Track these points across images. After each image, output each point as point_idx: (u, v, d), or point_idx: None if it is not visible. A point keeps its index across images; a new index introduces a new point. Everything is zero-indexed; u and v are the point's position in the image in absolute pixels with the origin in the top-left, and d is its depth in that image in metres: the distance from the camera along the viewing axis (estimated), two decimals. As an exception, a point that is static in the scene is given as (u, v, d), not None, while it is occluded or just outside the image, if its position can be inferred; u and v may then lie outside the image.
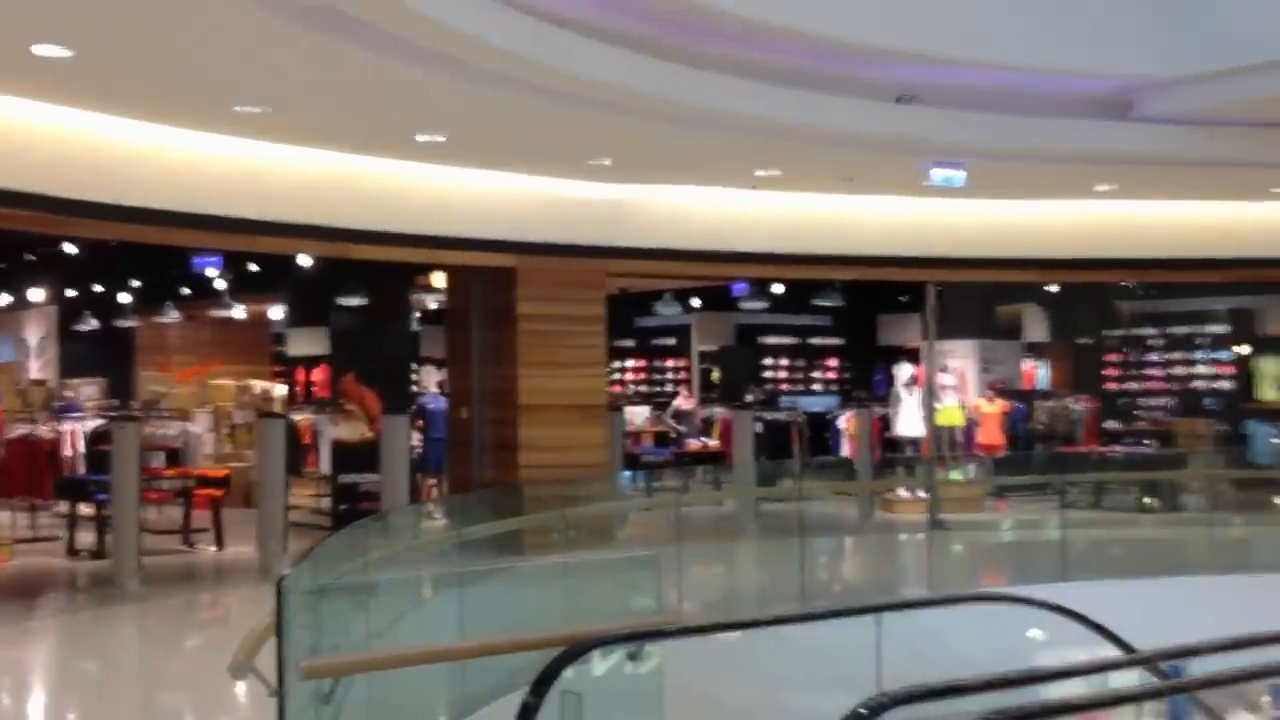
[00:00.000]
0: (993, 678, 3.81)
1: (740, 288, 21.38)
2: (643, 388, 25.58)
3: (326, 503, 15.09)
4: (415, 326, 22.00)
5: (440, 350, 17.08)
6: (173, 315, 21.96)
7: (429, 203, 11.78)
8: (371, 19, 7.11)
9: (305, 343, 22.22)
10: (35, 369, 23.35)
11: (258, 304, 22.11)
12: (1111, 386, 21.01)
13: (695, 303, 24.27)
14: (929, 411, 16.24)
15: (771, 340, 25.49)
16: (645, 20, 8.72)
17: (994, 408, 17.85)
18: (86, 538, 12.69)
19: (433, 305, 20.61)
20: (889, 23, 9.42)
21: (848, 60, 9.72)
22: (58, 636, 10.02)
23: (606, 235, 12.78)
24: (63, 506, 13.52)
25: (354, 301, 18.27)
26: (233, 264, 17.63)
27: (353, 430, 14.83)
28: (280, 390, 20.45)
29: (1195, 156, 11.14)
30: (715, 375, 25.24)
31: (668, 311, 22.50)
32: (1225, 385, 19.98)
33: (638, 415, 18.75)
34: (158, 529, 13.50)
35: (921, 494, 15.39)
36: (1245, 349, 19.79)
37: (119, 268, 19.51)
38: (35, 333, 23.85)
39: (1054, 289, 19.97)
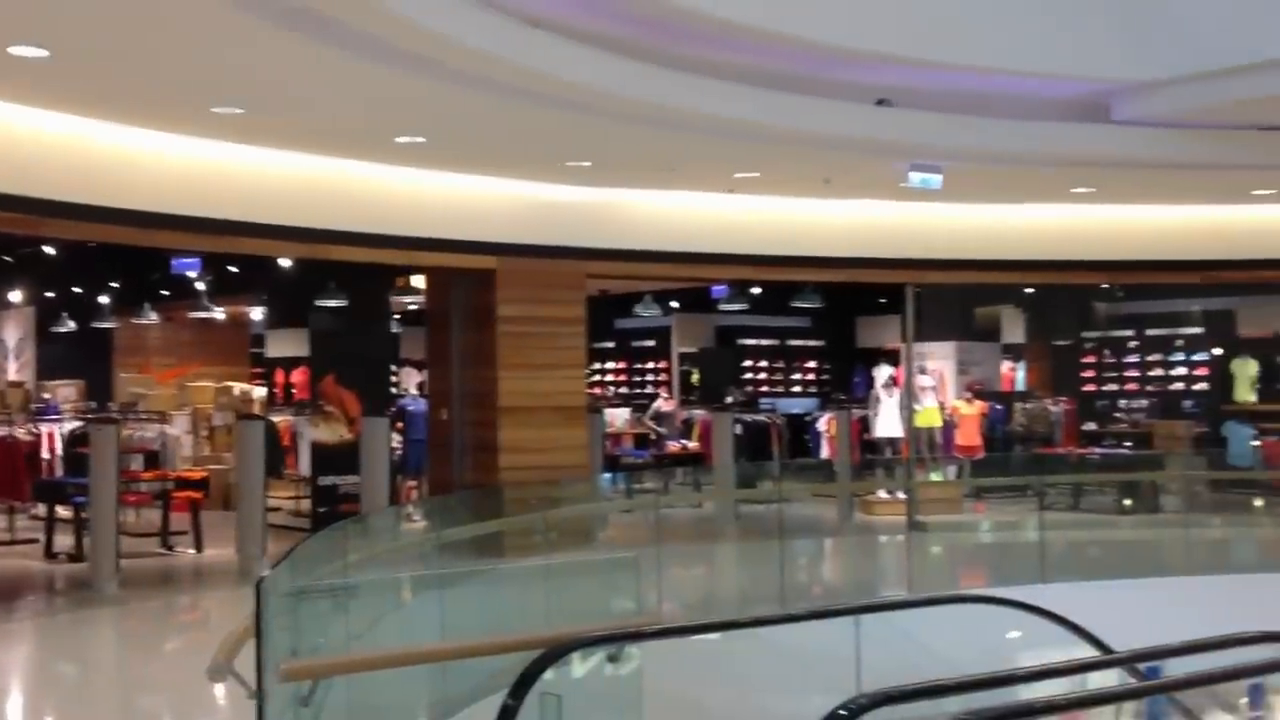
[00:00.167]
0: (971, 678, 3.83)
1: (720, 290, 21.41)
2: (623, 389, 25.59)
3: (306, 505, 15.06)
4: (395, 328, 21.98)
5: (420, 352, 17.05)
6: (151, 317, 21.87)
7: (409, 204, 11.76)
8: (347, 19, 7.10)
9: (285, 344, 22.18)
10: (12, 371, 23.21)
11: (237, 305, 22.05)
12: (1090, 388, 21.11)
13: (675, 305, 24.30)
14: (908, 413, 16.29)
15: (751, 342, 25.54)
16: (624, 22, 8.73)
17: (972, 409, 17.91)
18: (64, 540, 12.63)
19: (412, 307, 20.58)
20: (867, 25, 9.44)
21: (826, 63, 9.74)
22: (35, 639, 9.97)
23: (586, 237, 12.79)
24: (40, 509, 13.46)
25: (334, 303, 18.24)
26: (212, 265, 17.57)
27: (332, 432, 14.80)
28: (259, 392, 20.39)
29: (1171, 159, 11.20)
30: (695, 377, 25.27)
31: (647, 313, 22.52)
32: (1203, 387, 20.09)
33: (618, 417, 18.75)
34: (136, 531, 13.45)
35: (901, 495, 15.43)
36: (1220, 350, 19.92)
37: (97, 269, 19.42)
38: (13, 334, 23.71)
39: (1032, 291, 20.05)
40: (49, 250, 16.20)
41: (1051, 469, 15.80)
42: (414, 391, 16.85)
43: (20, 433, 13.45)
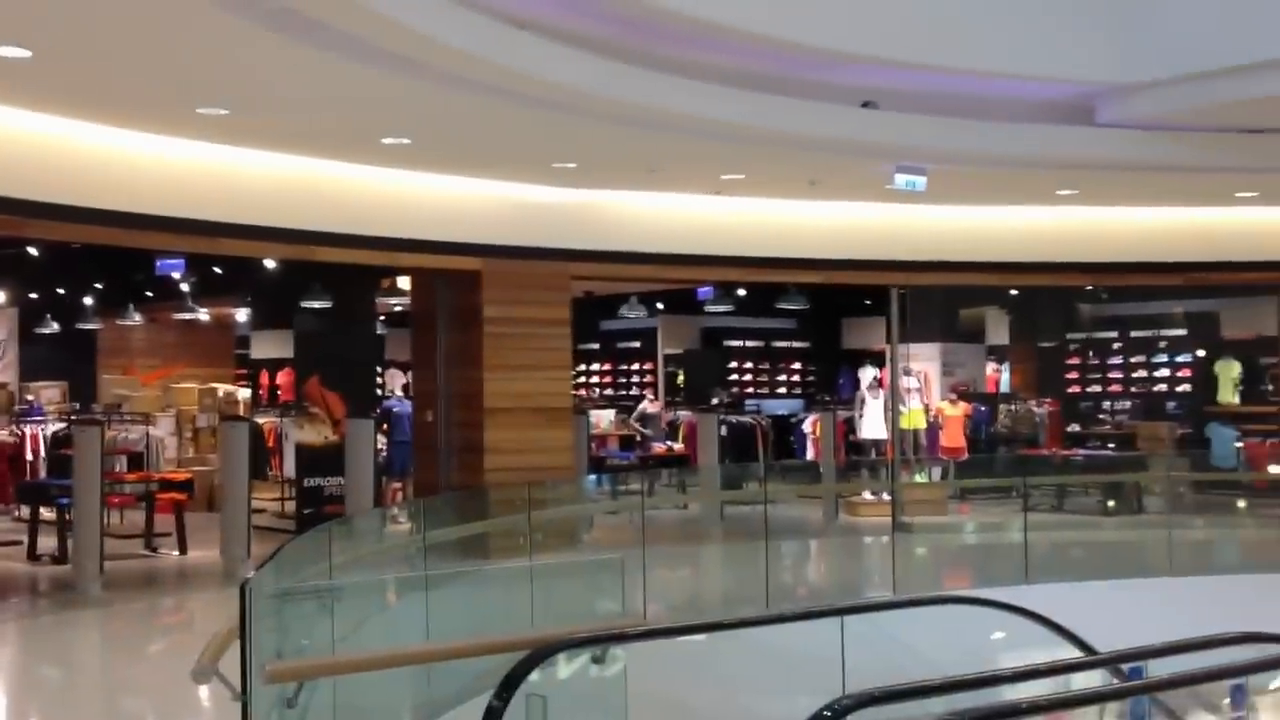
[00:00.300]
0: (956, 679, 3.85)
1: (705, 291, 21.43)
2: (608, 391, 25.60)
3: (290, 506, 15.04)
4: (380, 329, 21.95)
5: (405, 353, 17.03)
6: (136, 318, 21.82)
7: (394, 205, 11.75)
8: (331, 20, 7.09)
9: (269, 346, 22.14)
10: (-4, 372, 23.13)
11: (221, 307, 22.01)
12: (1074, 390, 21.19)
13: (660, 306, 24.31)
14: (893, 414, 16.32)
15: (736, 343, 25.57)
16: (609, 23, 8.73)
17: (957, 411, 17.96)
18: (48, 542, 12.57)
19: (398, 308, 20.56)
20: (853, 27, 9.46)
21: (812, 64, 9.76)
22: (18, 641, 9.92)
23: (571, 238, 12.78)
24: (24, 511, 13.41)
25: (318, 304, 18.22)
26: (196, 266, 17.53)
27: (317, 433, 14.78)
28: (244, 393, 20.34)
29: (1155, 161, 11.24)
30: (680, 378, 25.29)
31: (633, 315, 22.53)
32: (1186, 388, 20.17)
33: (603, 418, 18.76)
34: (120, 533, 13.41)
35: (885, 497, 15.46)
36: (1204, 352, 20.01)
37: (81, 270, 19.36)
38: (-4, 335, 23.63)
39: (1016, 292, 20.11)
40: (32, 251, 16.14)
41: (1035, 470, 15.85)
42: (399, 393, 16.84)
43: (3, 434, 13.41)
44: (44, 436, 14.69)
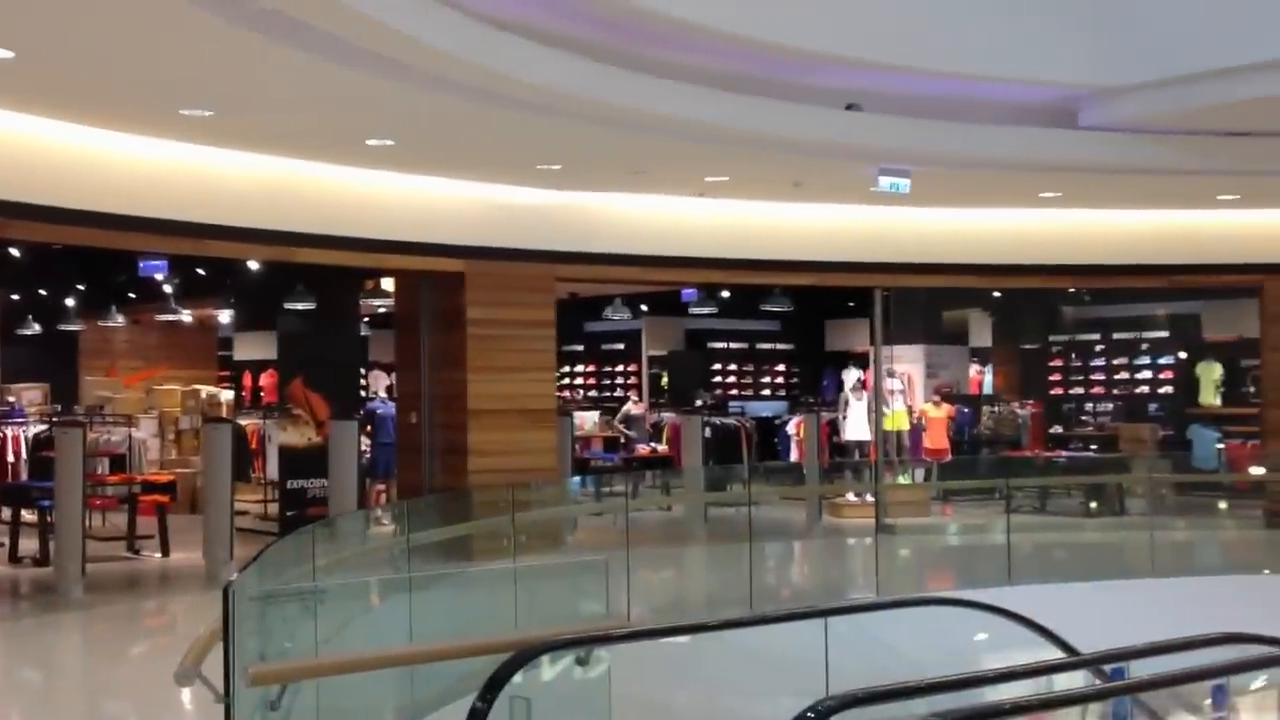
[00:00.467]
0: (939, 680, 3.86)
1: (689, 293, 21.45)
2: (592, 392, 25.59)
3: (274, 508, 15.00)
4: (364, 331, 21.91)
5: (389, 355, 17.01)
6: (118, 319, 21.74)
7: (377, 207, 11.73)
8: (314, 21, 7.07)
9: (252, 347, 22.08)
10: (-23, 374, 23.03)
11: (204, 308, 21.94)
12: (1056, 391, 21.26)
13: (644, 308, 24.31)
14: (877, 416, 16.35)
15: (721, 345, 25.59)
16: (593, 25, 8.74)
17: (940, 412, 18.00)
18: (29, 545, 12.52)
19: (381, 310, 20.52)
20: (837, 30, 9.48)
21: (796, 67, 9.78)
22: (-1, 645, 9.89)
23: (556, 240, 12.78)
24: (5, 513, 13.35)
25: (302, 306, 18.17)
26: (179, 268, 17.47)
27: (300, 435, 14.75)
28: (227, 395, 20.29)
29: (1138, 164, 11.29)
30: (664, 380, 25.30)
31: (617, 316, 22.53)
32: (1168, 390, 20.26)
33: (587, 420, 18.77)
34: (102, 536, 13.36)
35: (869, 498, 15.49)
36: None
37: (63, 271, 19.28)
38: (-23, 337, 23.51)
39: (1000, 295, 20.17)
40: (14, 252, 16.07)
41: (1018, 472, 15.90)
42: (383, 394, 16.82)
43: (-15, 436, 13.34)
44: (25, 438, 14.62)
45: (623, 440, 18.80)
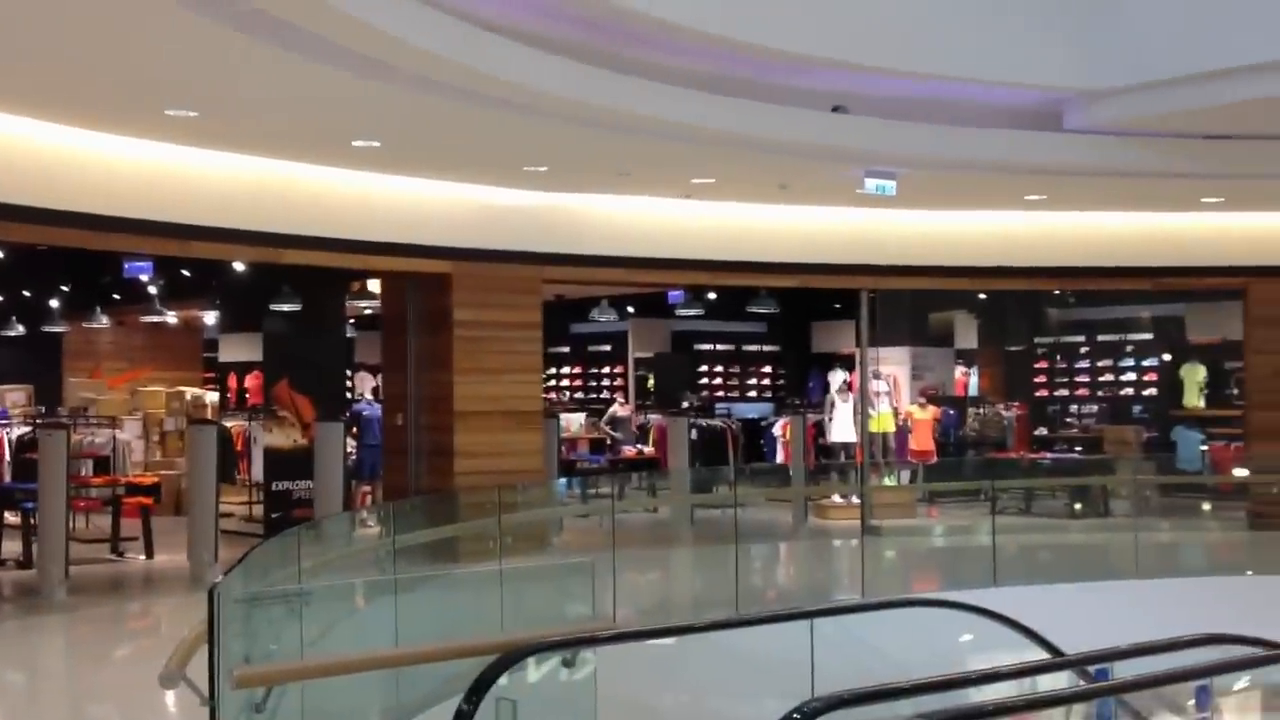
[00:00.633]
0: (924, 681, 3.87)
1: (676, 295, 21.45)
2: (579, 394, 25.58)
3: (259, 510, 14.96)
4: (350, 332, 21.85)
5: (375, 356, 16.98)
6: (102, 321, 21.64)
7: (363, 208, 11.71)
8: (300, 22, 7.06)
9: (238, 349, 21.99)
10: (-40, 375, 22.91)
11: (189, 309, 21.85)
12: (1041, 393, 21.31)
13: (631, 309, 24.30)
14: (863, 418, 16.37)
15: (707, 347, 25.59)
16: (579, 26, 8.74)
17: (926, 414, 18.04)
18: (13, 547, 12.47)
19: (367, 311, 20.48)
20: (824, 32, 9.50)
21: (783, 69, 9.80)
22: (-18, 647, 9.84)
23: (542, 242, 12.78)
24: (-12, 515, 13.29)
25: (288, 307, 18.11)
26: (164, 269, 17.41)
27: (286, 437, 14.71)
28: (212, 397, 20.23)
29: (1122, 167, 11.34)
30: (651, 382, 25.29)
31: (604, 318, 22.51)
32: (1152, 392, 20.32)
33: (574, 422, 18.76)
34: (86, 538, 13.31)
35: (855, 500, 15.52)
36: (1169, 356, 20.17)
37: (47, 272, 19.20)
38: (-40, 338, 23.41)
39: (985, 297, 20.22)
40: (-2, 253, 15.99)
41: (1003, 473, 15.93)
42: (368, 396, 16.79)
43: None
44: (9, 440, 14.56)
45: (609, 442, 18.80)
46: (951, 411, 19.39)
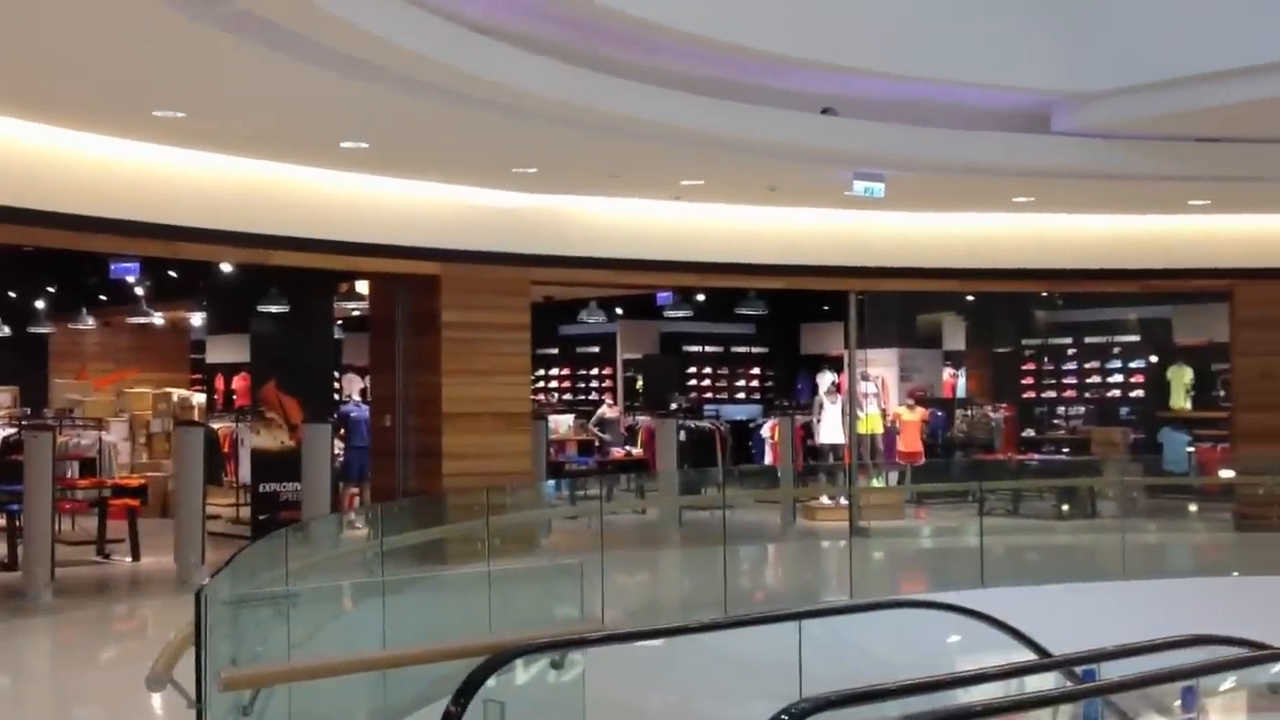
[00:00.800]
0: (911, 682, 3.87)
1: (665, 296, 21.45)
2: (567, 396, 25.57)
3: (246, 512, 14.92)
4: (338, 334, 21.81)
5: (363, 358, 16.94)
6: (89, 322, 21.58)
7: (352, 209, 11.69)
8: (287, 23, 7.05)
9: (225, 350, 21.91)
10: (-54, 377, 22.82)
11: (176, 311, 21.80)
12: (1029, 395, 21.35)
13: (620, 311, 24.30)
14: (851, 419, 16.39)
15: (695, 349, 25.60)
16: (568, 28, 8.74)
17: (914, 416, 18.06)
18: (-2, 549, 12.43)
19: (356, 312, 20.45)
20: (813, 35, 9.51)
21: (772, 71, 9.80)
22: (-32, 650, 9.80)
23: (531, 243, 12.77)
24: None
25: (275, 308, 18.08)
26: (151, 270, 17.37)
27: (273, 439, 14.68)
28: (199, 398, 20.18)
29: (1110, 169, 11.36)
30: (639, 383, 25.29)
31: (592, 320, 22.50)
32: (1139, 394, 20.38)
33: (562, 423, 18.74)
34: (72, 540, 13.27)
35: (843, 501, 15.53)
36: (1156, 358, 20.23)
37: (33, 273, 19.14)
38: (-54, 340, 23.31)
39: (973, 298, 20.26)
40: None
41: (991, 475, 15.95)
42: (356, 398, 16.76)
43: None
44: (-6, 442, 14.51)
45: (597, 444, 18.79)
46: (939, 413, 19.42)
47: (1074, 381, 21.14)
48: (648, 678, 6.84)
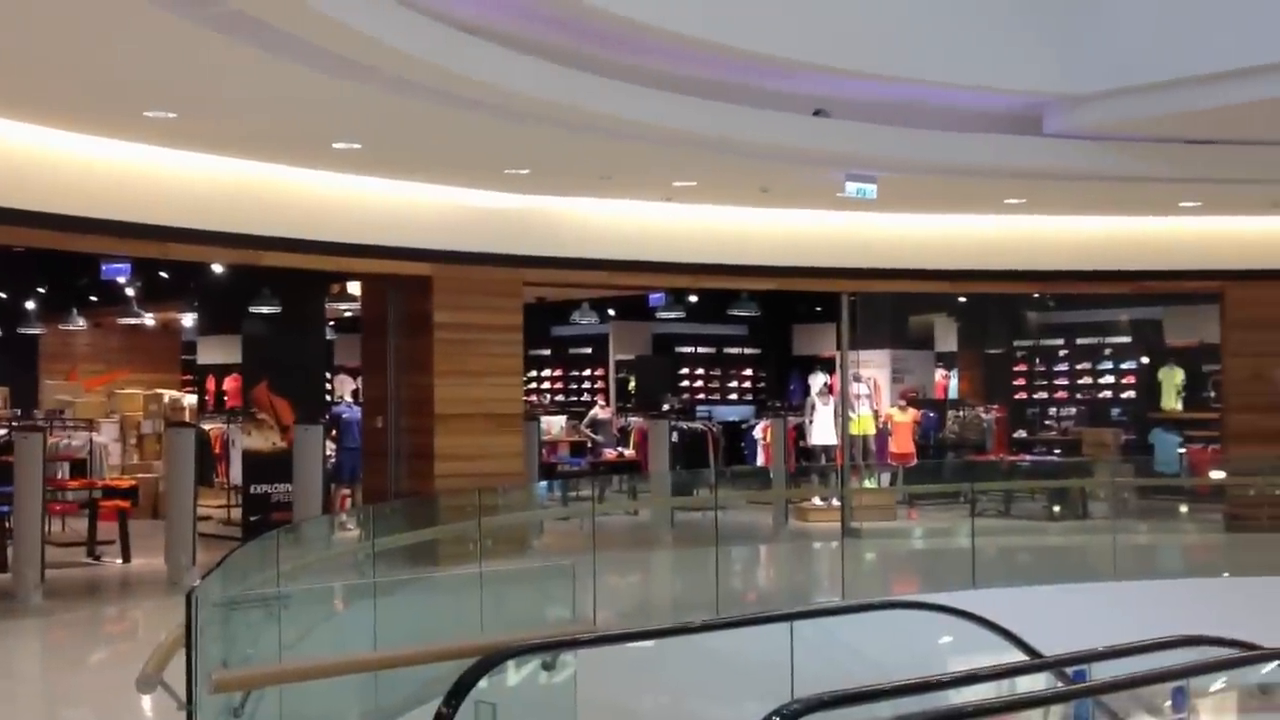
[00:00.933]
0: (903, 683, 3.88)
1: (657, 297, 21.44)
2: (559, 397, 25.55)
3: (237, 514, 14.89)
4: (330, 335, 21.79)
5: (355, 359, 16.93)
6: (79, 323, 21.53)
7: (344, 210, 11.68)
8: (279, 23, 7.04)
9: (216, 351, 21.86)
10: (-64, 377, 22.76)
11: (167, 312, 21.77)
12: (1021, 396, 21.38)
13: (612, 312, 24.29)
14: (843, 420, 16.40)
15: (688, 350, 25.60)
16: (560, 29, 8.73)
17: (906, 417, 18.07)
18: (-12, 550, 12.39)
19: (348, 314, 20.44)
20: (805, 36, 9.51)
21: (764, 72, 9.81)
22: (-42, 651, 9.77)
23: (523, 244, 12.77)
24: (-37, 518, 13.19)
25: (267, 309, 18.06)
26: (142, 271, 17.33)
27: (264, 440, 14.66)
28: (190, 399, 20.14)
29: (1101, 171, 11.38)
30: (632, 385, 25.29)
31: (584, 321, 22.49)
32: (1131, 395, 20.41)
33: (554, 424, 18.73)
34: (62, 541, 13.23)
35: (835, 502, 15.54)
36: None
37: (24, 274, 19.09)
38: (-64, 340, 23.25)
39: (965, 300, 20.28)
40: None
41: (983, 476, 15.95)
42: (348, 399, 16.73)
43: (-56, 441, 13.19)
44: (-15, 443, 14.45)
45: (589, 445, 18.78)
46: (931, 414, 19.44)
47: (1065, 383, 21.16)
48: (639, 679, 6.84)
